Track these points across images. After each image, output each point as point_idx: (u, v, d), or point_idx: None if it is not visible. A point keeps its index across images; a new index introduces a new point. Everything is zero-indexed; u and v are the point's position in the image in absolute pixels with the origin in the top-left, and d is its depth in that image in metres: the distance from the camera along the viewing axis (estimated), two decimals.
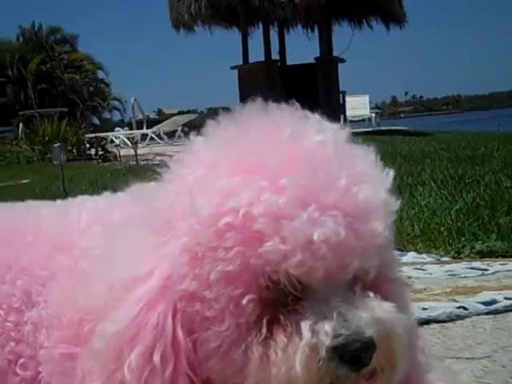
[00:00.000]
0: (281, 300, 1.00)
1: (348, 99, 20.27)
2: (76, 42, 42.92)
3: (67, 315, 1.12)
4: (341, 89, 19.99)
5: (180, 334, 1.01)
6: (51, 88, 38.11)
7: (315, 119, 1.11)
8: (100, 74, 43.24)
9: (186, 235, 1.02)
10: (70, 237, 1.25)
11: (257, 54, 20.20)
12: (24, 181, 10.86)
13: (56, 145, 8.06)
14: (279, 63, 19.84)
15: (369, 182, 1.03)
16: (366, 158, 1.08)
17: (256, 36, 20.68)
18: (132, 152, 14.85)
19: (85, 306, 1.07)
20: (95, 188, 7.66)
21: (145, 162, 12.78)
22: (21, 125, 20.36)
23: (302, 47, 23.96)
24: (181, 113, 27.56)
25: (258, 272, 0.98)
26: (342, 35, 21.08)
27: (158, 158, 14.54)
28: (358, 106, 22.84)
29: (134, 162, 13.09)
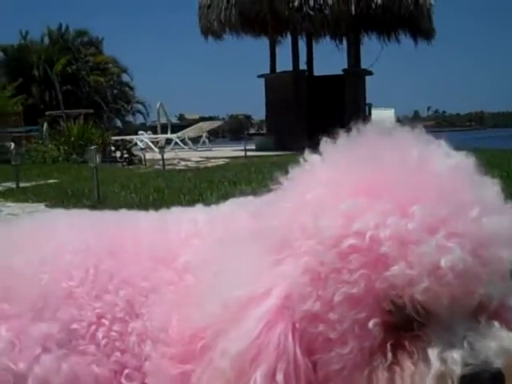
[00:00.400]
0: (404, 325, 0.98)
1: (373, 112, 20.22)
2: (101, 45, 43.26)
3: (175, 329, 1.11)
4: (366, 101, 19.97)
5: (299, 354, 1.00)
6: (76, 89, 38.35)
7: (439, 143, 1.10)
8: (124, 78, 43.53)
9: (307, 255, 1.01)
10: (170, 249, 1.25)
11: (284, 64, 20.27)
12: (51, 180, 10.89)
13: (92, 147, 8.11)
14: (306, 73, 19.85)
15: (496, 211, 1.02)
16: (492, 186, 1.07)
17: (284, 45, 20.77)
18: (157, 156, 14.91)
19: (198, 323, 1.06)
20: (128, 191, 7.68)
21: (171, 167, 12.84)
22: (45, 125, 20.48)
23: (329, 58, 23.97)
24: (202, 118, 27.64)
25: (382, 296, 0.97)
26: (370, 47, 21.10)
27: (183, 163, 14.63)
28: (383, 119, 22.77)
29: (160, 166, 13.13)
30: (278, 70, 19.92)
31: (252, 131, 38.03)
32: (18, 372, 1.15)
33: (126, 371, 1.18)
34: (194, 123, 24.46)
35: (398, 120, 26.42)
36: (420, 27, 19.95)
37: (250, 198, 1.32)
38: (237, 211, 1.27)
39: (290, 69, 19.59)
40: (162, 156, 12.73)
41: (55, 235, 1.33)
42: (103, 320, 1.20)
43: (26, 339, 1.17)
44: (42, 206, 7.00)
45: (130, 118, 44.26)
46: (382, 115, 23.02)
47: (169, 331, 1.13)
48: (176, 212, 1.40)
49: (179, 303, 1.14)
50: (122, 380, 1.18)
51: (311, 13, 18.61)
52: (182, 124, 24.79)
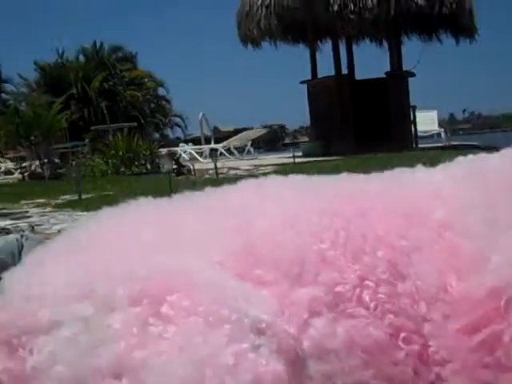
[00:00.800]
0: None
1: (418, 114, 20.00)
2: (136, 60, 43.59)
3: (455, 289, 1.05)
4: (410, 103, 19.77)
5: None
6: (113, 105, 38.66)
7: None
8: (160, 91, 43.79)
9: None
10: (420, 206, 1.18)
11: (324, 70, 20.17)
12: (106, 192, 10.94)
13: (163, 152, 8.13)
14: (348, 78, 19.72)
15: None
16: None
17: (323, 51, 20.66)
18: (204, 166, 14.91)
19: (488, 282, 0.98)
20: None
21: (223, 175, 12.80)
22: (87, 140, 20.67)
23: (370, 62, 23.81)
24: (237, 130, 27.60)
25: None
26: (410, 48, 20.92)
27: (233, 171, 14.59)
28: (427, 121, 22.54)
29: (209, 176, 13.12)
30: (318, 76, 19.81)
31: (287, 141, 37.93)
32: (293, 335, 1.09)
33: (403, 334, 1.10)
34: (228, 135, 24.47)
35: (439, 123, 26.19)
36: (462, 25, 19.73)
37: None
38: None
39: (331, 74, 19.47)
40: (215, 164, 12.73)
41: (286, 200, 1.26)
42: (367, 282, 1.12)
43: (290, 304, 1.11)
44: None
45: (167, 132, 44.53)
46: (426, 117, 22.84)
47: (448, 291, 1.05)
48: (403, 172, 1.34)
49: (450, 262, 1.06)
50: (400, 343, 1.10)
51: (351, 16, 18.51)
52: (217, 136, 24.81)
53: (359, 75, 20.28)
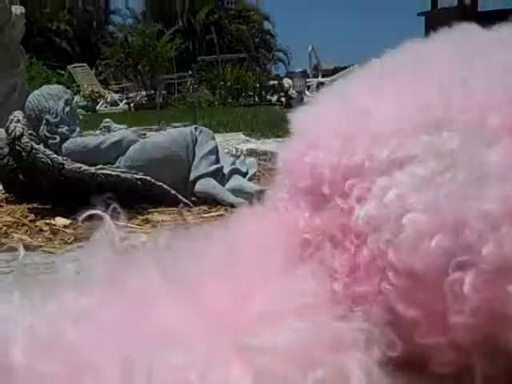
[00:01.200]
0: None
1: None
2: None
3: None
4: None
5: None
6: (219, 38, 38.34)
7: None
8: (266, 25, 43.05)
9: None
10: None
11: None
12: (222, 119, 10.65)
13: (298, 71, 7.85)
14: (472, 10, 18.51)
15: None
16: None
17: None
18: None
19: None
20: None
21: None
22: (194, 70, 20.40)
23: None
24: (337, 69, 26.73)
25: None
26: None
27: None
28: None
29: None
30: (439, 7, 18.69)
31: None
32: None
33: None
34: (326, 74, 23.70)
35: None
36: None
37: None
38: None
39: (452, 5, 18.33)
40: None
41: None
42: None
43: None
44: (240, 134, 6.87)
45: (270, 67, 43.93)
46: None
47: None
48: None
49: None
50: None
51: None
52: (316, 75, 24.07)
53: (484, 8, 19.00)
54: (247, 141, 6.36)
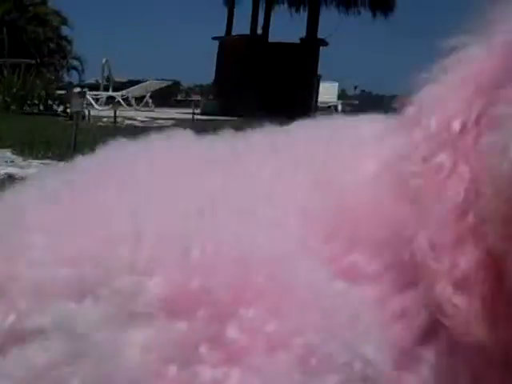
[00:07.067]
0: None
1: (321, 84, 20.14)
2: None
3: None
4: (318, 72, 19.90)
5: None
6: (11, 40, 36.89)
7: None
8: (64, 31, 42.00)
9: None
10: None
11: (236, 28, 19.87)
12: None
13: (75, 91, 7.73)
14: (262, 39, 19.54)
15: None
16: None
17: (239, 8, 20.30)
18: (99, 113, 14.44)
19: None
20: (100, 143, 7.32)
21: (118, 125, 12.41)
22: None
23: (287, 26, 23.69)
24: (131, 82, 26.88)
25: None
26: (329, 18, 21.05)
27: (128, 121, 14.17)
28: (327, 92, 22.76)
29: (102, 124, 12.73)
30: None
31: (179, 98, 37.31)
32: None
33: None
34: (120, 86, 23.83)
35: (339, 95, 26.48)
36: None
37: None
38: None
39: (242, 33, 19.27)
40: (115, 112, 12.31)
41: None
42: None
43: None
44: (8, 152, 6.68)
45: (63, 74, 42.83)
46: (328, 88, 23.06)
47: None
48: None
49: None
50: None
51: None
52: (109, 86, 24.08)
53: (275, 39, 20.10)
54: (11, 162, 6.06)
